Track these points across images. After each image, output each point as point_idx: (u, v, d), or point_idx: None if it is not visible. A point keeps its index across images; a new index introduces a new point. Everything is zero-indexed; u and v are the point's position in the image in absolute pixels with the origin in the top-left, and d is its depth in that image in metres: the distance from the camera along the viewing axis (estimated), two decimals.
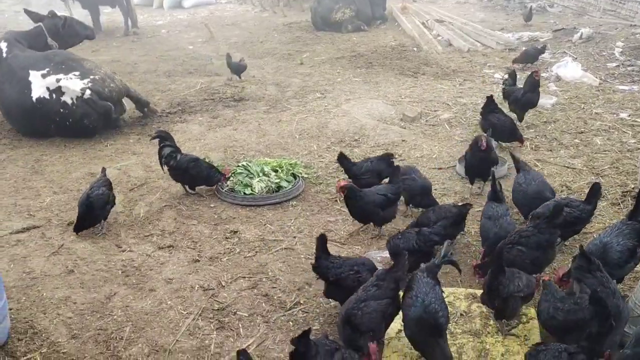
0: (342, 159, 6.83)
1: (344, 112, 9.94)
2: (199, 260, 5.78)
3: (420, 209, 6.29)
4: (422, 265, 4.31)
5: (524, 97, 8.61)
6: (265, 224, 6.47)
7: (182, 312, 4.98)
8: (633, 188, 6.62)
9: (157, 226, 6.54)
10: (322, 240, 4.73)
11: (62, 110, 9.07)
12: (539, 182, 5.93)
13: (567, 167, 7.43)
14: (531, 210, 5.52)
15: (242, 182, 7.16)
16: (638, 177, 6.68)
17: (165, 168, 7.16)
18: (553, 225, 4.84)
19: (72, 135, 9.31)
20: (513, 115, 8.63)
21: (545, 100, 10.10)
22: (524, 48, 13.25)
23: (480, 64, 12.98)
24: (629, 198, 6.42)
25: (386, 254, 5.58)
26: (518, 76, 9.76)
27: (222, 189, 7.18)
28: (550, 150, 8.00)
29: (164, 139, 7.20)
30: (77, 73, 9.21)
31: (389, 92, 11.08)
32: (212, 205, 6.98)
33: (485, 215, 5.45)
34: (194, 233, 6.35)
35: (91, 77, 9.29)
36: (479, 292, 4.98)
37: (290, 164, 7.60)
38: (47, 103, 9.05)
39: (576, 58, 12.69)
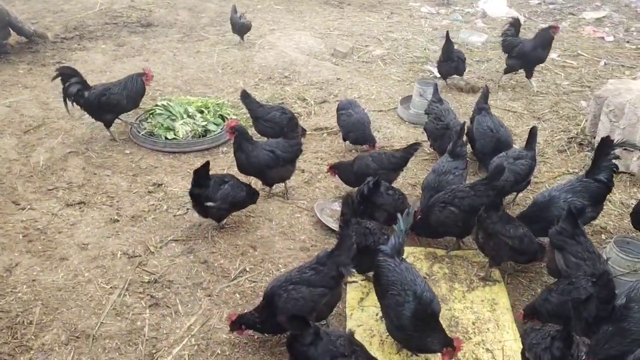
0: (245, 97, 5.94)
1: (269, 44, 9.03)
2: (118, 220, 4.93)
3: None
4: (384, 248, 3.65)
5: (534, 53, 7.44)
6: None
7: (105, 286, 4.19)
8: (577, 134, 6.50)
9: (62, 177, 5.53)
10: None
11: None
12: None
13: (509, 111, 7.19)
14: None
15: (162, 125, 6.22)
16: (585, 125, 6.55)
17: (72, 106, 6.06)
18: (491, 187, 4.40)
19: None
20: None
21: (476, 38, 9.79)
22: None
23: None
24: (575, 145, 6.29)
25: (337, 206, 5.06)
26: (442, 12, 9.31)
27: (139, 132, 6.21)
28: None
29: (69, 76, 6.00)
30: None
31: (316, 24, 10.24)
32: (127, 152, 6.03)
33: (432, 169, 5.01)
34: (108, 186, 5.43)
35: None
36: (440, 251, 4.63)
37: (218, 104, 6.72)
38: None
39: None
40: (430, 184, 4.79)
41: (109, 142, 6.20)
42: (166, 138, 6.13)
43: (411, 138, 6.44)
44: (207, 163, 4.61)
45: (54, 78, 6.05)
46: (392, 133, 6.59)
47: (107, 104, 5.96)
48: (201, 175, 4.56)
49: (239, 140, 4.96)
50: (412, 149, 5.20)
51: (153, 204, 5.18)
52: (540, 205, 4.56)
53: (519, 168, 4.91)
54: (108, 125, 6.14)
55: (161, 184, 5.47)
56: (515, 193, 5.24)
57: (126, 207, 5.12)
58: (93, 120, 6.42)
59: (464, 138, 5.26)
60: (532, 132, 5.11)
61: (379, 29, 10.12)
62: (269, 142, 5.20)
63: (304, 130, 6.17)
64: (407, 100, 7.12)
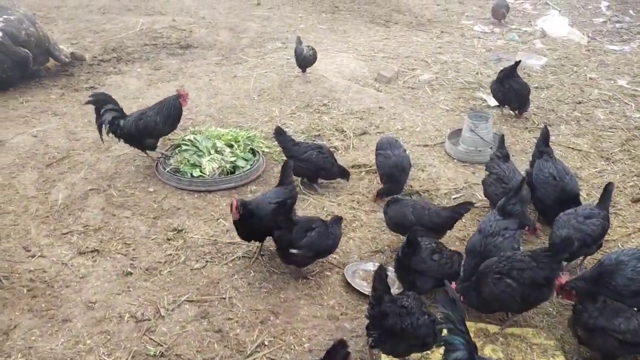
0: (279, 135, 5.62)
1: (310, 68, 8.53)
2: (131, 274, 4.49)
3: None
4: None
5: None
6: (217, 219, 5.20)
7: (105, 358, 3.73)
8: None
9: (79, 219, 5.17)
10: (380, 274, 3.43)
11: None
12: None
13: (572, 149, 6.41)
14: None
15: (188, 162, 5.79)
16: None
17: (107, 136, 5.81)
18: (557, 260, 3.75)
19: None
20: None
21: (535, 61, 9.02)
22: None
23: (458, 13, 11.67)
24: None
25: (371, 266, 4.49)
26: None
27: (165, 168, 5.80)
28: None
29: (103, 102, 5.70)
30: None
31: (360, 44, 9.69)
32: (151, 190, 5.62)
33: (478, 228, 4.31)
34: (126, 230, 5.02)
35: (5, 16, 7.51)
36: (492, 327, 3.96)
37: (249, 136, 6.25)
38: None
39: (560, 11, 11.57)
40: (475, 248, 4.12)
41: (134, 178, 5.81)
42: (192, 175, 5.69)
43: (460, 180, 5.78)
44: (283, 204, 4.28)
45: (87, 103, 5.78)
46: (438, 173, 5.94)
47: (145, 128, 5.66)
48: (283, 218, 4.21)
49: (245, 215, 4.40)
50: (461, 209, 4.55)
51: (170, 254, 4.72)
52: (605, 269, 3.84)
53: (590, 229, 4.18)
54: (152, 148, 5.85)
55: (181, 230, 5.01)
56: (583, 256, 4.50)
57: (141, 257, 4.69)
58: (119, 153, 6.10)
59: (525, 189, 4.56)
60: (608, 189, 4.38)
61: (427, 51, 9.47)
62: (269, 195, 4.69)
63: (345, 172, 5.63)
64: (456, 134, 6.45)
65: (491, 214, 4.30)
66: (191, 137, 6.01)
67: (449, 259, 4.05)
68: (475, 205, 5.12)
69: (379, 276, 3.33)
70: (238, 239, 4.74)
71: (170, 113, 5.71)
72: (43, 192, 5.54)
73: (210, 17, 10.99)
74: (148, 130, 5.66)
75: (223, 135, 6.21)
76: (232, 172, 5.81)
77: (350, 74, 8.44)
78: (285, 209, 4.30)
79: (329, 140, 6.56)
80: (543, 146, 5.08)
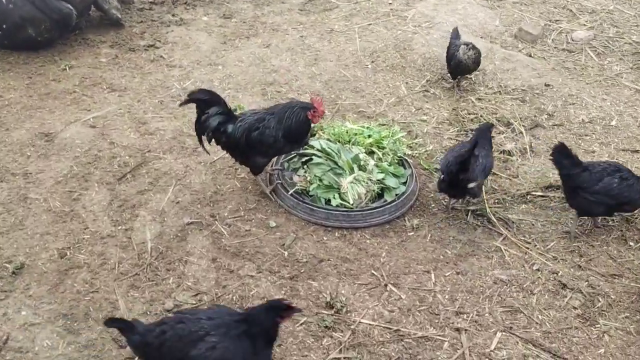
0: (563, 155, 3.77)
1: (425, 18, 6.58)
2: None
3: None
4: None
5: None
6: (385, 284, 3.58)
7: None
8: None
9: (183, 278, 3.58)
10: None
11: None
12: None
13: None
14: None
15: (321, 182, 4.09)
16: None
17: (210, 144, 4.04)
18: None
19: (10, 48, 5.72)
20: None
21: None
22: None
23: None
24: None
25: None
26: None
27: (287, 190, 4.11)
28: None
29: (208, 104, 3.90)
30: None
31: None
32: (273, 225, 3.97)
33: None
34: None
35: None
36: None
37: (394, 137, 4.49)
38: None
39: None
40: None
41: (242, 201, 4.15)
42: (327, 202, 4.02)
43: None
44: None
45: (184, 103, 3.98)
46: None
47: (260, 143, 3.90)
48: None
49: None
50: None
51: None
52: None
53: None
54: (257, 170, 4.11)
55: (341, 308, 3.40)
56: None
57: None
58: (213, 156, 4.42)
59: None
60: None
61: None
62: None
63: None
64: None
65: None
66: (322, 143, 4.25)
67: None
68: None
69: None
70: (428, 324, 3.17)
71: (292, 126, 3.88)
72: (123, 228, 3.90)
73: None
74: (263, 146, 3.90)
75: (356, 134, 4.47)
76: (380, 196, 4.14)
77: (480, 28, 6.50)
78: None
79: (495, 139, 4.81)
80: None
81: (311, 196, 4.07)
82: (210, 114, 3.81)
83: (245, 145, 3.89)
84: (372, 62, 5.87)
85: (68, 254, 3.69)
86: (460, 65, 5.11)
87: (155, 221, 3.96)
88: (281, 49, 6.03)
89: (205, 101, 3.83)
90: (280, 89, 5.40)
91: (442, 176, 3.85)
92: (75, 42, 6.01)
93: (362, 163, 4.14)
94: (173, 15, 6.67)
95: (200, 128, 3.90)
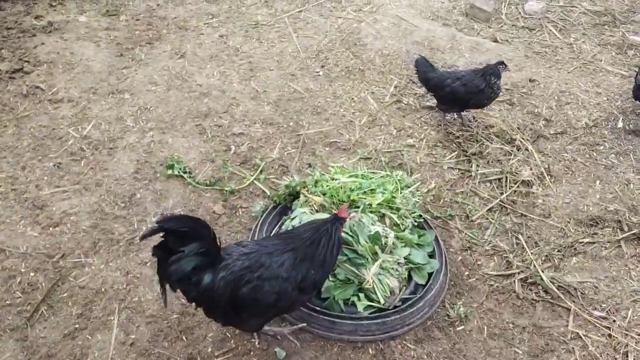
0: None
1: (371, 5, 5.47)
2: None
3: None
4: None
5: None
6: None
7: None
8: None
9: None
10: None
11: None
12: None
13: None
14: None
15: (335, 278, 2.95)
16: None
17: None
18: None
19: None
20: None
21: None
22: None
23: None
24: None
25: None
26: None
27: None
28: None
29: (185, 237, 2.34)
30: None
31: None
32: (283, 356, 2.81)
33: None
34: None
35: None
36: None
37: (407, 188, 3.42)
38: None
39: None
40: None
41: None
42: (346, 303, 2.92)
43: None
44: None
45: (148, 235, 2.35)
46: None
47: (252, 301, 2.51)
48: None
49: None
50: None
51: None
52: None
53: None
54: (254, 330, 2.82)
55: None
56: None
57: None
58: None
59: None
60: None
61: None
62: None
63: None
64: None
65: None
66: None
67: None
68: None
69: None
70: None
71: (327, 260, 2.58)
72: None
73: None
74: (259, 305, 2.55)
75: (353, 190, 3.34)
76: (408, 278, 3.12)
77: (427, 8, 5.55)
78: None
79: (507, 166, 3.96)
80: None
81: (324, 299, 2.94)
82: (186, 253, 2.40)
83: (229, 305, 2.54)
84: (322, 66, 4.68)
85: None
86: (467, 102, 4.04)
87: None
88: (202, 58, 4.59)
89: (181, 233, 2.38)
90: (220, 122, 4.05)
91: None
92: None
93: (383, 244, 3.06)
94: (36, 17, 4.88)
95: (165, 272, 2.46)
